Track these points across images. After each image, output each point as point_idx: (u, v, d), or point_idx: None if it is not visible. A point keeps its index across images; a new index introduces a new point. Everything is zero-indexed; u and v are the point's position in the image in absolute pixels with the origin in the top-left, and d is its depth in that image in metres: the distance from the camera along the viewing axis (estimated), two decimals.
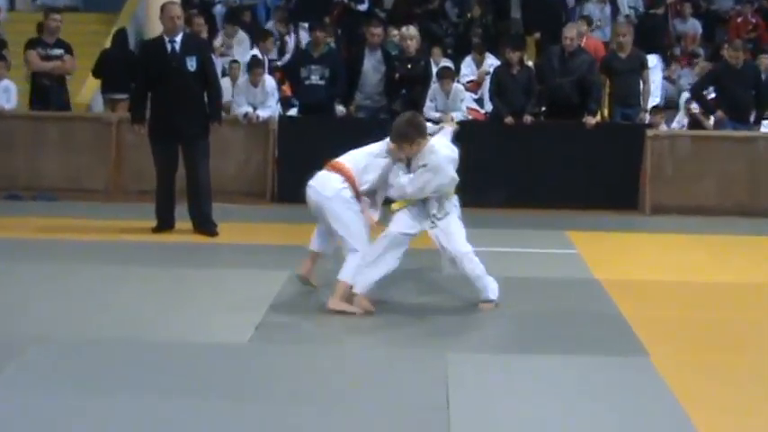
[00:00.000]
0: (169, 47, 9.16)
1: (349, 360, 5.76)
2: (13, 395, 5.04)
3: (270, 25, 15.46)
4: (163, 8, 9.33)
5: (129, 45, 13.62)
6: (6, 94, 11.77)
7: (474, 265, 6.80)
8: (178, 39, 9.18)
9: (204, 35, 12.92)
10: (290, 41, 14.92)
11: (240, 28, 14.69)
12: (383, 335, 6.28)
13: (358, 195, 6.84)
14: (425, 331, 6.35)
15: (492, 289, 6.83)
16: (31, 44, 12.00)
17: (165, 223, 9.37)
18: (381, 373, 5.49)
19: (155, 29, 12.04)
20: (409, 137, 6.67)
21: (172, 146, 9.23)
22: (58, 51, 11.90)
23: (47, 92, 11.82)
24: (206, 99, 9.23)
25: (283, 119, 11.84)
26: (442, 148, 6.75)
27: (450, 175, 6.71)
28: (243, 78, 11.99)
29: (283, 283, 7.43)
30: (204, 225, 9.27)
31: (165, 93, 9.13)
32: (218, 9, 16.54)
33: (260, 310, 6.65)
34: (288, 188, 11.34)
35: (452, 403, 4.96)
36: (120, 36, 13.35)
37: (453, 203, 6.83)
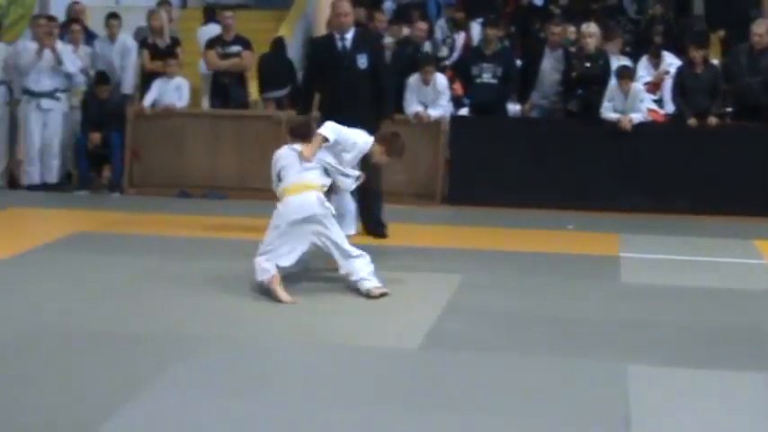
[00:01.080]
0: (339, 44, 9.22)
1: (523, 370, 5.66)
2: (177, 393, 5.17)
3: (441, 23, 15.46)
4: (332, 5, 9.41)
5: (287, 53, 13.80)
6: (178, 92, 12.12)
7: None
8: (349, 36, 9.23)
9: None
10: (459, 39, 14.89)
11: (406, 25, 14.71)
12: (560, 345, 6.15)
13: None
14: (603, 342, 6.20)
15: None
16: (211, 44, 12.37)
17: None
18: (557, 386, 5.37)
19: (325, 25, 12.20)
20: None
21: None
22: (236, 48, 12.23)
23: (225, 90, 12.16)
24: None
25: (455, 118, 11.81)
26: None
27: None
28: (414, 77, 12.00)
29: (455, 288, 7.40)
30: (375, 227, 9.33)
31: (335, 91, 9.19)
32: (388, 5, 16.63)
33: (431, 316, 6.63)
34: (459, 190, 11.33)
35: (634, 420, 4.83)
36: (278, 43, 13.54)
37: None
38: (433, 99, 11.70)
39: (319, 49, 9.67)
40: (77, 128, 12.27)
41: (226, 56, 12.28)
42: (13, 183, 12.46)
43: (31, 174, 12.16)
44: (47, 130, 12.13)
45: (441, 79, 11.86)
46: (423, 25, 13.31)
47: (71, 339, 6.07)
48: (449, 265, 8.17)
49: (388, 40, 12.71)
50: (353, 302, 7.05)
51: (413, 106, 11.63)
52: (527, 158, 11.34)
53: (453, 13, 15.52)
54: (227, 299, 7.10)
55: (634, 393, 5.19)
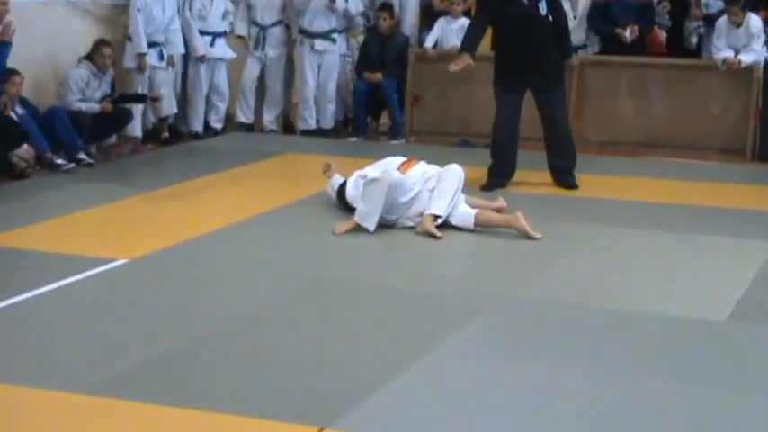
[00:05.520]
0: None
1: None
2: (464, 354, 5.41)
3: None
4: None
5: None
6: (462, 33, 12.27)
7: None
8: None
9: None
10: None
11: None
12: None
13: None
14: None
15: None
16: None
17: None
18: None
19: None
20: None
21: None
22: None
23: None
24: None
25: None
26: None
27: None
28: (722, 19, 11.71)
29: (766, 255, 7.30)
30: (564, 178, 9.59)
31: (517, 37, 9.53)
32: None
33: (741, 285, 6.59)
34: None
35: None
36: None
37: None
38: (744, 43, 11.39)
39: None
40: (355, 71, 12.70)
41: None
42: (289, 127, 13.06)
43: (306, 118, 12.70)
44: (322, 72, 12.61)
45: (754, 21, 11.51)
46: None
47: (356, 294, 6.44)
48: (759, 230, 8.03)
49: None
50: (654, 267, 7.09)
51: (722, 52, 11.36)
52: None
53: None
54: (512, 257, 7.34)
55: None
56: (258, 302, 6.21)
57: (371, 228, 7.73)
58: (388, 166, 8.08)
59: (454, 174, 7.97)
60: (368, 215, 7.75)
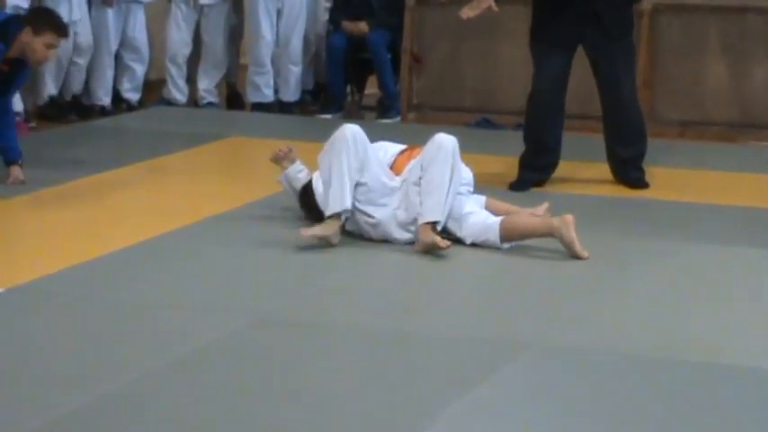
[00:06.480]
0: None
1: None
2: (482, 422, 5.40)
3: None
4: None
5: None
6: None
7: None
8: None
9: None
10: None
11: None
12: None
13: None
14: None
15: None
16: None
17: None
18: None
19: None
20: None
21: None
22: None
23: None
24: None
25: None
26: None
27: None
28: None
29: None
30: (630, 172, 9.65)
31: None
32: None
33: None
34: None
35: None
36: None
37: None
38: None
39: None
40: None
41: None
42: (234, 100, 13.06)
43: (260, 87, 12.71)
44: (282, 22, 12.64)
45: None
46: None
47: (329, 339, 6.44)
48: None
49: None
50: (758, 300, 7.13)
51: None
52: None
53: None
54: (550, 285, 7.39)
55: None
56: (187, 350, 6.17)
57: (347, 204, 7.69)
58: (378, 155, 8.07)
59: (440, 152, 7.77)
60: (334, 194, 7.69)
